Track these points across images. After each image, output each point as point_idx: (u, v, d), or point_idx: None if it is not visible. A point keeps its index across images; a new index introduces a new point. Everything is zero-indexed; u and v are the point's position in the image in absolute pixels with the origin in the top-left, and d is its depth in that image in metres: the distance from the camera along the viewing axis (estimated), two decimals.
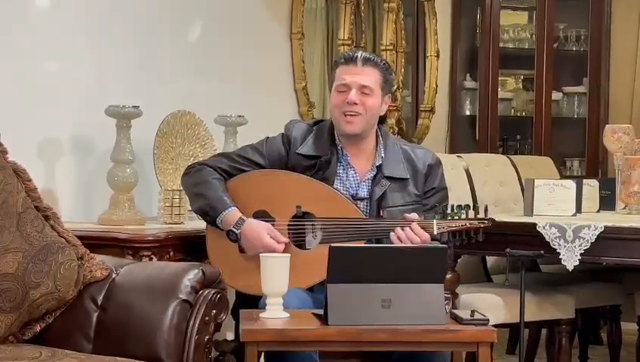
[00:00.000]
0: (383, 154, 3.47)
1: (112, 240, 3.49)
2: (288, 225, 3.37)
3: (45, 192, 3.48)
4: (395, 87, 5.41)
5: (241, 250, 3.37)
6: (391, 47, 5.39)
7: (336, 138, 3.47)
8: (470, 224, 3.32)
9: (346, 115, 3.39)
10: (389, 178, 3.44)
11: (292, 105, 5.17)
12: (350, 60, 3.43)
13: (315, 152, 3.45)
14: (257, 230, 3.32)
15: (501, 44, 6.30)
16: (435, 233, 3.30)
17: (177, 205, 3.83)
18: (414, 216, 3.33)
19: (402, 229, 3.29)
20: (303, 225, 3.37)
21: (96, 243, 3.36)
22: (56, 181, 3.81)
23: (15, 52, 3.65)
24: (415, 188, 3.46)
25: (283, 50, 5.11)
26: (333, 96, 3.45)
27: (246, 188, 3.43)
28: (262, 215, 3.38)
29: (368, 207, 3.42)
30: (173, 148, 4.00)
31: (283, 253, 3.21)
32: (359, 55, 3.45)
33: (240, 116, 4.24)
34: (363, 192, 3.45)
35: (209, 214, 3.38)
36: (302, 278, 3.20)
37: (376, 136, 3.50)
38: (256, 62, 4.86)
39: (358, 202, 3.42)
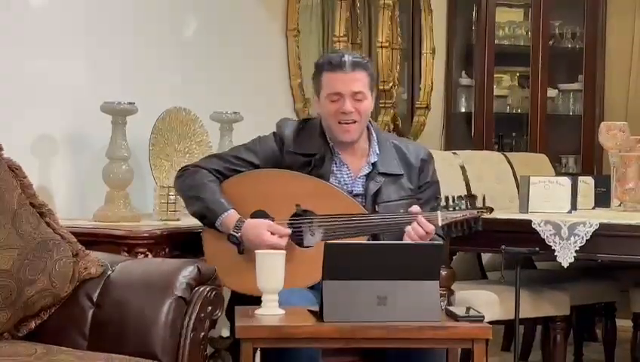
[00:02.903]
0: (377, 151, 3.45)
1: (107, 237, 3.48)
2: (288, 224, 3.34)
3: (40, 189, 3.48)
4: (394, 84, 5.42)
5: (241, 251, 3.33)
6: (386, 44, 5.38)
7: (328, 137, 3.45)
8: (471, 214, 3.33)
9: (341, 124, 3.36)
10: (384, 174, 3.42)
11: (288, 101, 5.17)
12: (338, 67, 3.35)
13: (308, 150, 3.42)
14: (257, 229, 3.28)
15: (497, 41, 6.30)
16: (440, 224, 3.30)
17: (173, 202, 3.83)
18: (417, 208, 3.32)
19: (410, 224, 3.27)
20: (302, 223, 3.34)
21: (91, 239, 3.36)
22: (52, 178, 3.81)
23: (10, 49, 3.64)
24: (409, 182, 3.45)
25: (279, 46, 5.11)
26: (326, 104, 3.38)
27: (242, 188, 3.39)
28: (260, 215, 3.34)
29: (364, 203, 3.40)
30: (169, 145, 4.00)
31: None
32: (347, 60, 3.35)
33: (235, 113, 4.24)
34: (358, 189, 3.43)
35: (207, 217, 3.35)
36: (304, 276, 3.18)
37: (369, 133, 3.48)
38: (252, 58, 4.86)
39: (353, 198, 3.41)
